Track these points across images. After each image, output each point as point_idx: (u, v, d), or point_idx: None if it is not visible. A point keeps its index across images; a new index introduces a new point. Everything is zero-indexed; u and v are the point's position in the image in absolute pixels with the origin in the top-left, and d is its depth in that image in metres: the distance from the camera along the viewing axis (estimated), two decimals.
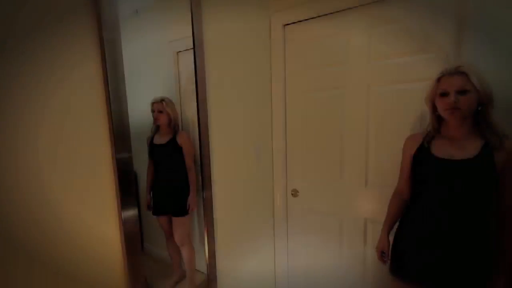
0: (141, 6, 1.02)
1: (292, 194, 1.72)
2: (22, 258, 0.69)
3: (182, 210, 1.26)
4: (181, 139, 1.22)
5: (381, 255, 1.17)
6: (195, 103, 1.17)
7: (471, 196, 0.94)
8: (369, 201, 1.45)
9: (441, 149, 1.00)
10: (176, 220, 1.27)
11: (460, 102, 0.90)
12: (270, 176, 1.72)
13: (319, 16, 1.47)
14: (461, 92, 0.91)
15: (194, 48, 1.14)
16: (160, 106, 1.16)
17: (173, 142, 1.20)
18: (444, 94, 0.94)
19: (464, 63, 0.96)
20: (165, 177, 1.24)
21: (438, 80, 0.97)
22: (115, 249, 0.88)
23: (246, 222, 1.55)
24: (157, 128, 1.20)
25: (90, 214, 0.81)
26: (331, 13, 1.42)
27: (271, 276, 1.81)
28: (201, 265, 1.30)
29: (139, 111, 1.05)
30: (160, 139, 1.20)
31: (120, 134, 0.84)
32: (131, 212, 0.89)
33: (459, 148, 0.96)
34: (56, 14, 0.72)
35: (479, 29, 1.06)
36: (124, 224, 0.87)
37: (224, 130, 1.33)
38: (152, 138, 1.20)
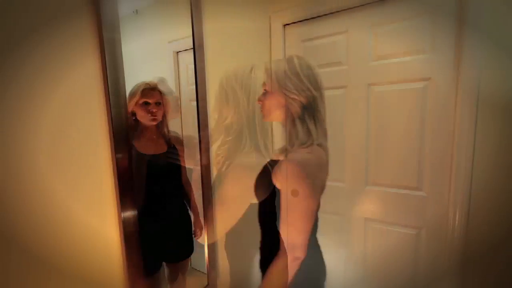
0: (141, 6, 1.02)
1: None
2: (22, 258, 0.69)
3: (188, 248, 0.96)
4: (179, 145, 0.93)
5: None
6: (195, 103, 1.17)
7: None
8: (369, 201, 1.45)
9: None
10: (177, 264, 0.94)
11: None
12: None
13: (319, 16, 1.47)
14: None
15: (194, 48, 1.14)
16: (157, 95, 0.80)
17: (174, 151, 0.89)
18: None
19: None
20: (161, 205, 0.86)
21: None
22: (115, 249, 0.88)
23: (246, 222, 1.54)
24: (140, 131, 0.80)
25: (89, 214, 0.81)
26: (331, 13, 1.42)
27: None
28: (201, 265, 1.30)
29: None
30: (151, 148, 0.81)
31: (120, 134, 0.84)
32: (131, 212, 0.89)
33: None
34: (56, 13, 0.72)
35: (479, 29, 1.06)
36: (124, 224, 0.87)
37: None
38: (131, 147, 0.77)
